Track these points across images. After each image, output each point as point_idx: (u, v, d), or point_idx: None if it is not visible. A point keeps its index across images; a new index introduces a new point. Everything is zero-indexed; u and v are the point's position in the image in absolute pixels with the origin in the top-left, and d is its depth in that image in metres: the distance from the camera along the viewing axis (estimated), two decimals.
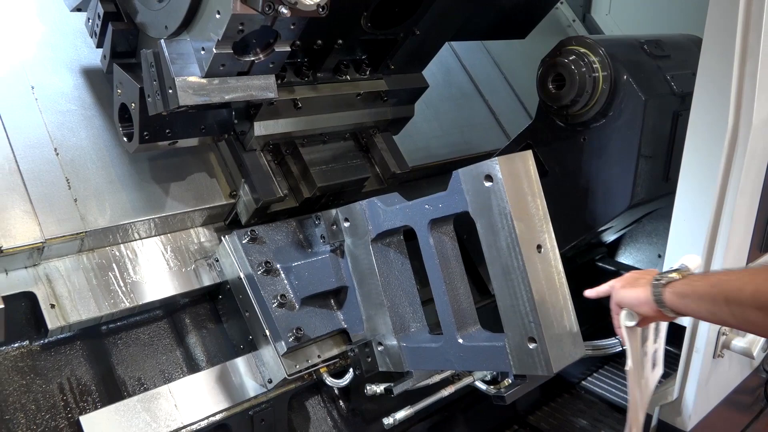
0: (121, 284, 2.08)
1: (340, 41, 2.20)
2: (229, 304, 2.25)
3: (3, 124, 2.02)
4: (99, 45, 2.05)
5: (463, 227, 2.03)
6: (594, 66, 2.55)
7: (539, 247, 1.74)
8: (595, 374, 3.39)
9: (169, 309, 2.25)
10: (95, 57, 2.15)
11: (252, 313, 2.15)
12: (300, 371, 2.16)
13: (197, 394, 2.09)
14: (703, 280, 1.44)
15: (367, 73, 2.41)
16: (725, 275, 1.40)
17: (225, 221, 2.37)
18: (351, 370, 2.23)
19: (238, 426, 2.15)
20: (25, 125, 2.06)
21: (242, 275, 2.14)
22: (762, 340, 2.30)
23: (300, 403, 2.42)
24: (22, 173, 1.99)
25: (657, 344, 1.81)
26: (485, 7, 2.60)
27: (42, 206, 1.98)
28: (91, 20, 2.04)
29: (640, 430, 1.77)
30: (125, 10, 1.96)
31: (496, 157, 1.70)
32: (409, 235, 2.03)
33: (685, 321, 2.28)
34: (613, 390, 3.25)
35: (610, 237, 3.36)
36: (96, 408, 1.98)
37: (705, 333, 2.21)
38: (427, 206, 1.90)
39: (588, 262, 3.44)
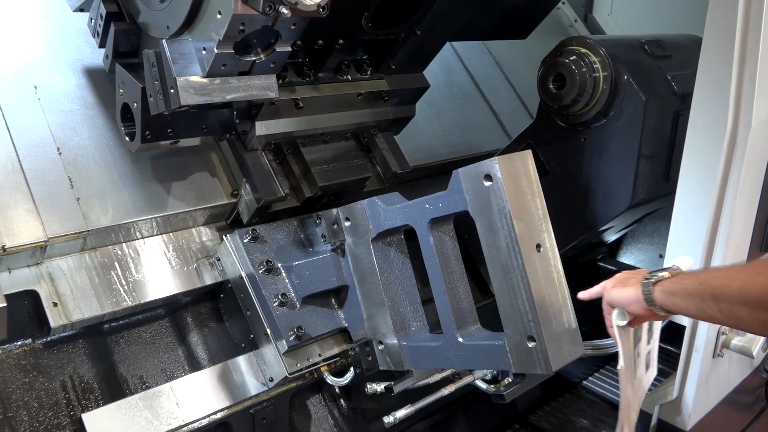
0: (123, 283, 2.09)
1: (341, 41, 2.20)
2: (231, 302, 2.26)
3: (6, 124, 2.03)
4: (101, 45, 2.06)
5: (464, 227, 2.04)
6: (595, 66, 2.56)
7: (538, 246, 1.74)
8: (596, 374, 3.40)
9: (170, 308, 2.26)
10: (98, 57, 2.16)
11: (253, 311, 2.16)
12: (301, 370, 2.17)
13: (199, 393, 2.10)
14: (691, 278, 1.45)
15: (368, 73, 2.42)
16: (712, 272, 1.42)
17: (227, 220, 2.38)
18: (352, 368, 2.24)
19: (240, 424, 2.16)
20: (28, 125, 2.07)
21: (243, 274, 2.15)
22: (761, 339, 2.30)
23: (301, 401, 2.43)
24: (25, 172, 2.00)
25: (650, 345, 1.81)
26: (486, 8, 2.61)
27: (45, 205, 1.99)
28: (93, 20, 2.05)
29: (632, 429, 1.77)
30: (127, 11, 1.97)
31: (496, 157, 1.71)
32: (410, 234, 2.04)
33: (685, 320, 2.29)
34: (614, 390, 3.25)
35: (611, 237, 3.36)
36: (98, 406, 1.99)
37: (705, 332, 2.22)
38: (427, 206, 1.90)
39: (589, 262, 3.44)
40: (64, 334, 2.03)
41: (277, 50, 1.82)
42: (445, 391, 2.25)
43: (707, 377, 2.25)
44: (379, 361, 2.17)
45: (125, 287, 2.09)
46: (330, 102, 2.34)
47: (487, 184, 1.72)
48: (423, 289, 2.16)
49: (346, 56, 2.35)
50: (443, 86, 3.33)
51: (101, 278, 2.06)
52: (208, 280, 2.25)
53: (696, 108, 1.98)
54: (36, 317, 1.98)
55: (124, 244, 2.16)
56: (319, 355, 2.23)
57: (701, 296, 1.37)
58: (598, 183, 2.66)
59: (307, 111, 2.28)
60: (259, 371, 2.21)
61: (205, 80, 1.80)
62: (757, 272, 1.28)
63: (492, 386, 2.19)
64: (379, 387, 2.19)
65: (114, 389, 2.06)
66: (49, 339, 2.01)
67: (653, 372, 1.85)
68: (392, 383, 2.16)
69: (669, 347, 2.70)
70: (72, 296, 1.99)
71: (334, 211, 2.19)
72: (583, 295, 1.78)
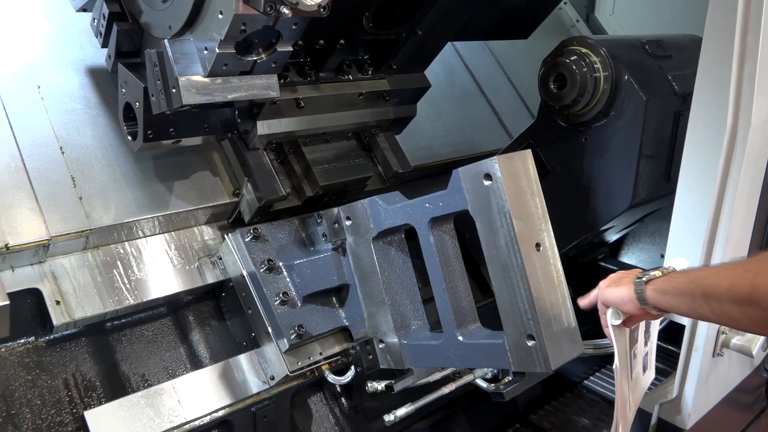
0: (126, 281, 2.10)
1: (342, 41, 2.21)
2: (232, 301, 2.27)
3: (9, 123, 2.05)
4: (104, 45, 2.08)
5: (465, 227, 2.05)
6: (595, 66, 2.56)
7: (538, 245, 1.75)
8: (597, 373, 3.40)
9: (172, 306, 2.27)
10: (100, 57, 2.18)
11: (254, 310, 2.17)
12: (302, 368, 2.18)
13: (200, 391, 2.11)
14: (683, 277, 1.46)
15: (370, 72, 2.43)
16: (703, 271, 1.42)
17: (228, 219, 2.39)
18: (352, 367, 2.25)
19: (241, 422, 2.17)
20: (32, 124, 2.09)
21: (245, 273, 2.17)
22: (761, 338, 2.30)
23: (302, 400, 2.44)
24: (28, 171, 2.01)
25: (648, 347, 1.81)
26: (487, 8, 2.61)
27: (48, 204, 2.00)
28: (96, 20, 2.07)
29: (627, 430, 1.78)
30: (130, 11, 1.99)
31: (495, 156, 1.71)
32: (411, 234, 2.05)
33: (684, 320, 2.29)
34: (614, 389, 3.25)
35: (612, 237, 3.37)
36: (100, 403, 2.00)
37: (704, 331, 2.22)
38: (427, 205, 1.91)
39: (590, 261, 3.45)
40: (66, 332, 2.04)
41: (279, 50, 1.83)
42: (446, 389, 2.25)
43: (707, 376, 2.26)
44: (380, 359, 2.18)
45: (127, 286, 2.10)
46: (331, 102, 2.35)
47: (487, 183, 1.73)
48: (424, 289, 2.17)
49: (348, 56, 2.36)
50: (445, 86, 3.33)
51: (104, 277, 2.07)
52: (210, 278, 2.26)
53: (696, 107, 1.98)
54: (39, 315, 1.99)
55: (126, 243, 2.17)
56: (320, 353, 2.24)
57: (692, 295, 1.38)
58: (599, 183, 2.66)
59: (309, 110, 2.29)
60: (260, 369, 2.22)
61: (206, 80, 1.81)
62: (746, 269, 1.29)
63: (492, 385, 2.20)
64: (380, 385, 2.20)
65: (116, 387, 2.08)
66: (51, 337, 2.02)
67: (651, 374, 1.85)
68: (393, 382, 2.17)
69: (669, 346, 2.70)
70: (74, 294, 2.00)
71: (335, 210, 2.20)
72: (582, 302, 1.78)
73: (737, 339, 2.32)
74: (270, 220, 2.29)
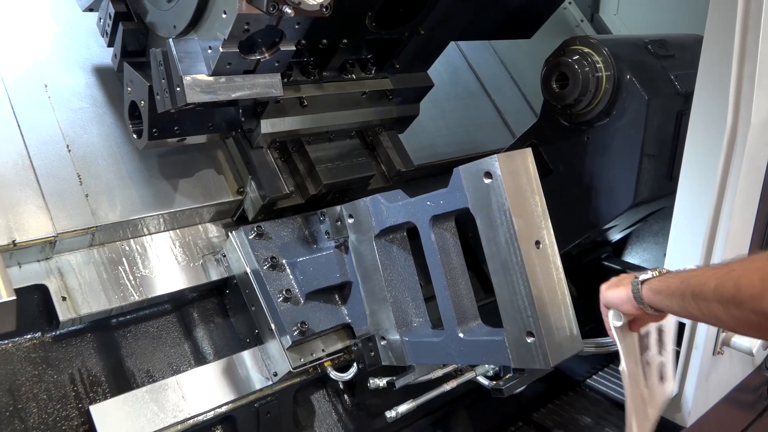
0: (131, 278, 2.13)
1: (345, 41, 2.23)
2: (236, 298, 2.29)
3: (17, 122, 2.08)
4: (110, 44, 2.10)
5: (469, 225, 2.06)
6: (597, 66, 2.57)
7: (538, 243, 1.76)
8: (600, 372, 3.40)
9: (177, 303, 2.30)
10: (106, 56, 2.20)
11: (258, 307, 2.19)
12: (304, 365, 2.20)
13: (204, 386, 2.13)
14: (675, 277, 1.47)
15: (373, 72, 2.45)
16: (694, 271, 1.43)
17: (232, 217, 2.41)
18: (355, 364, 2.27)
19: (244, 418, 2.19)
20: (39, 123, 2.12)
21: (249, 270, 2.19)
22: None
23: (305, 397, 2.46)
24: (35, 169, 2.04)
25: (663, 357, 1.79)
26: (489, 8, 2.63)
27: (54, 201, 2.03)
28: (102, 20, 2.09)
29: None
30: (135, 10, 2.01)
31: (496, 155, 1.73)
32: (413, 233, 2.07)
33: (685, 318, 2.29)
34: (618, 388, 3.26)
35: (615, 236, 3.37)
36: (106, 398, 2.03)
37: (704, 329, 2.23)
38: (428, 203, 1.93)
39: (593, 261, 3.45)
40: (72, 328, 2.07)
41: (282, 49, 1.85)
42: (447, 386, 2.27)
43: (707, 375, 2.26)
44: (382, 356, 2.20)
45: (132, 282, 2.12)
46: (335, 101, 2.37)
47: (487, 181, 1.75)
48: (426, 287, 2.19)
49: (351, 55, 2.38)
50: (448, 85, 3.34)
51: (109, 273, 2.10)
52: (214, 276, 2.28)
53: (697, 106, 1.99)
54: (45, 311, 2.02)
55: (131, 240, 2.19)
56: (323, 350, 2.26)
57: (682, 295, 1.39)
58: (601, 182, 2.67)
59: (312, 109, 2.31)
60: (263, 366, 2.24)
61: (210, 79, 1.83)
62: (731, 270, 1.30)
63: (493, 382, 2.21)
64: (382, 382, 2.22)
65: (121, 382, 2.10)
66: (58, 333, 2.04)
67: (670, 386, 1.81)
68: (394, 378, 2.19)
69: None
70: (80, 291, 2.03)
71: (338, 208, 2.22)
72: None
73: (737, 338, 2.32)
74: (274, 218, 2.31)
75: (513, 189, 1.74)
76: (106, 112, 2.26)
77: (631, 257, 3.76)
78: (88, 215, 2.07)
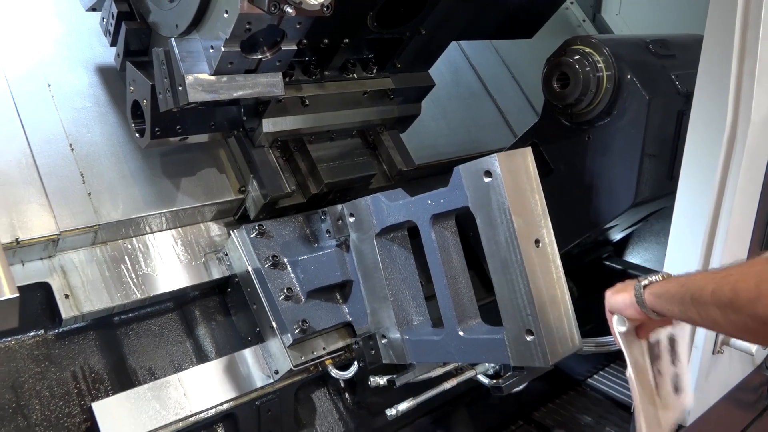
0: (133, 276, 2.14)
1: (347, 40, 2.24)
2: (238, 296, 2.30)
3: (21, 121, 2.09)
4: (113, 44, 2.12)
5: (470, 225, 2.06)
6: (598, 65, 2.57)
7: (537, 241, 1.77)
8: (601, 372, 3.41)
9: (179, 301, 2.31)
10: (109, 55, 2.22)
11: (259, 305, 2.20)
12: (305, 363, 2.21)
13: (206, 384, 2.15)
14: (676, 281, 1.47)
15: (374, 71, 2.46)
16: (694, 275, 1.43)
17: (234, 216, 2.42)
18: (355, 362, 2.28)
19: (245, 416, 2.20)
20: (42, 121, 2.13)
21: (250, 269, 2.20)
22: None
23: (306, 395, 2.47)
24: (38, 168, 2.06)
25: (677, 368, 1.77)
26: (490, 8, 2.63)
27: (57, 200, 2.04)
28: (105, 19, 2.11)
29: None
30: (138, 10, 2.03)
31: (496, 154, 1.74)
32: (415, 233, 2.07)
33: None
34: (619, 388, 3.27)
35: (616, 235, 3.38)
36: (108, 395, 2.04)
37: (704, 329, 2.22)
38: (429, 201, 1.94)
39: (595, 260, 3.46)
40: (75, 326, 2.09)
41: (283, 49, 1.86)
42: (447, 385, 2.28)
43: (707, 374, 2.26)
44: (383, 354, 2.21)
45: (135, 280, 2.14)
46: (336, 100, 2.38)
47: (487, 180, 1.75)
48: (427, 285, 2.20)
49: (352, 55, 2.39)
50: (450, 85, 3.35)
51: (111, 271, 2.11)
52: (216, 274, 2.29)
53: (697, 104, 1.99)
54: (48, 309, 2.03)
55: (134, 239, 2.21)
56: (324, 348, 2.27)
57: (682, 299, 1.39)
58: (602, 181, 2.68)
59: (314, 109, 2.32)
60: (264, 364, 2.25)
61: (212, 78, 1.84)
62: (728, 274, 1.29)
63: (493, 381, 2.22)
64: (382, 380, 2.23)
65: (123, 380, 2.12)
66: (60, 330, 2.06)
67: (686, 398, 1.78)
68: (395, 376, 2.20)
69: None
70: (83, 289, 2.04)
71: (339, 207, 2.23)
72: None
73: None
74: (275, 217, 2.32)
75: (513, 188, 1.75)
76: (108, 111, 2.28)
77: (633, 257, 3.76)
78: (90, 213, 2.08)
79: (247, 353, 2.25)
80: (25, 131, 2.08)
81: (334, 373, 2.28)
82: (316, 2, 1.65)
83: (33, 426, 1.92)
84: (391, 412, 2.21)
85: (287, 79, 2.20)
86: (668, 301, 1.45)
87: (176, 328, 2.28)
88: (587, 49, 2.60)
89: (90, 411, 1.96)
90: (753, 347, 2.28)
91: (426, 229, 1.96)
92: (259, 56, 1.86)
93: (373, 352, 2.22)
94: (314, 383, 2.48)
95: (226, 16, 1.70)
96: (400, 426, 2.62)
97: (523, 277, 1.74)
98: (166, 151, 2.30)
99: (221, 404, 2.14)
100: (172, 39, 1.85)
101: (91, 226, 2.07)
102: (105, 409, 1.97)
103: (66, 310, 1.99)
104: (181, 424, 2.04)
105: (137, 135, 2.12)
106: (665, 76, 2.69)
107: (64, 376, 2.03)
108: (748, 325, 1.25)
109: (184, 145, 2.20)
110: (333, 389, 2.52)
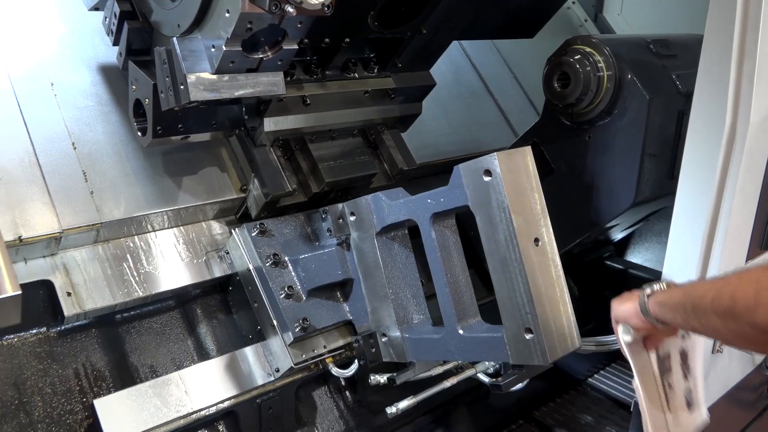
0: (135, 274, 2.15)
1: (348, 40, 2.25)
2: (239, 295, 2.31)
3: (23, 119, 2.11)
4: (115, 43, 2.13)
5: (470, 224, 2.07)
6: (599, 65, 2.58)
7: (537, 240, 1.78)
8: (601, 371, 3.41)
9: (180, 299, 2.32)
10: (112, 55, 2.23)
11: (260, 303, 2.21)
12: (306, 361, 2.22)
13: (207, 382, 2.15)
14: (679, 290, 1.47)
15: (375, 70, 2.47)
16: (696, 284, 1.44)
17: (236, 215, 2.43)
18: (356, 360, 2.29)
19: (246, 414, 2.21)
20: (45, 120, 2.15)
21: (251, 267, 2.21)
22: None
23: (307, 393, 2.48)
24: (41, 166, 2.07)
25: (690, 383, 1.76)
26: (491, 7, 2.64)
27: (60, 198, 2.06)
28: (108, 19, 2.12)
29: None
30: (140, 9, 2.04)
31: (495, 153, 1.74)
32: (415, 232, 2.08)
33: None
34: (619, 387, 3.27)
35: (617, 235, 3.38)
36: (109, 392, 2.06)
37: None
38: (429, 200, 1.95)
39: (595, 260, 3.46)
40: (77, 323, 2.10)
41: (284, 48, 1.87)
42: (447, 383, 2.28)
43: (706, 373, 2.26)
44: (383, 353, 2.22)
45: (137, 279, 2.15)
46: (337, 99, 2.38)
47: (487, 179, 1.76)
48: (427, 284, 2.20)
49: (353, 54, 2.40)
50: (451, 84, 3.36)
51: (113, 269, 2.12)
52: (217, 272, 2.30)
53: (696, 104, 1.99)
54: (50, 306, 2.05)
55: (136, 237, 2.22)
56: (324, 346, 2.28)
57: (684, 308, 1.39)
58: (603, 181, 2.68)
59: (315, 108, 2.33)
60: (265, 362, 2.26)
61: (214, 77, 1.85)
62: (727, 282, 1.30)
63: (493, 379, 2.22)
64: (382, 378, 2.24)
65: (125, 377, 2.13)
66: (62, 328, 2.07)
67: (700, 414, 1.76)
68: (395, 375, 2.20)
69: None
70: (85, 286, 2.05)
71: (340, 206, 2.24)
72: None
73: None
74: (276, 216, 2.33)
75: (512, 187, 1.75)
76: (111, 110, 2.29)
77: (634, 257, 3.76)
78: (93, 212, 2.10)
79: (248, 351, 2.26)
80: (28, 130, 2.10)
81: (335, 371, 2.29)
82: (317, 2, 1.65)
83: (35, 423, 1.93)
84: (391, 410, 2.21)
85: (288, 79, 2.21)
86: (671, 309, 1.45)
87: (178, 326, 2.29)
88: (588, 49, 2.61)
89: (92, 408, 1.98)
90: None
91: (426, 228, 1.97)
92: (261, 55, 1.87)
93: (374, 350, 2.23)
94: (315, 381, 2.49)
95: (227, 15, 1.71)
96: (400, 424, 2.63)
97: (522, 275, 1.74)
98: (168, 150, 2.32)
99: (222, 402, 2.15)
100: (174, 38, 1.86)
101: (93, 225, 2.08)
102: (107, 406, 1.98)
103: (68, 308, 2.00)
104: (182, 422, 2.05)
105: (139, 134, 2.13)
106: (666, 75, 2.70)
107: (66, 373, 2.04)
108: (747, 333, 1.25)
109: (186, 143, 2.22)
110: (333, 387, 2.53)
